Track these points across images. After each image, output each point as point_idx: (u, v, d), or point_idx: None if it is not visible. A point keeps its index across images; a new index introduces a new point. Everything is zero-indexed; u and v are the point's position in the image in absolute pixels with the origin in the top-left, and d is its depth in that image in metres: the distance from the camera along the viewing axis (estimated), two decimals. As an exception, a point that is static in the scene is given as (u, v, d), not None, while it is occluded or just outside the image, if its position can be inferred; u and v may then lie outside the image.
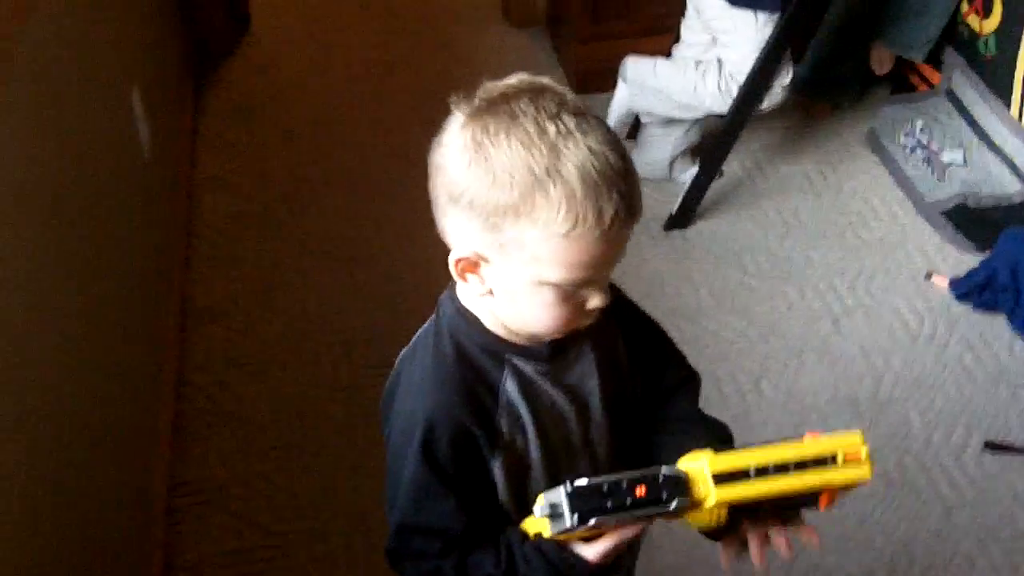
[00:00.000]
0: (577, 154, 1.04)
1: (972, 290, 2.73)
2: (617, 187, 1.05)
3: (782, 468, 1.10)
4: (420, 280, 2.78)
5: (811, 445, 1.12)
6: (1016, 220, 2.90)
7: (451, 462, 1.17)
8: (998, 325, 2.71)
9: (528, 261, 1.08)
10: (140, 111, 2.60)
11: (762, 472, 1.10)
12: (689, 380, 1.40)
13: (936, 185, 3.07)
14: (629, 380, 1.30)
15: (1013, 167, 2.99)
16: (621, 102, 3.06)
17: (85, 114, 2.14)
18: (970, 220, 2.97)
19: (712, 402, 2.49)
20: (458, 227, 1.11)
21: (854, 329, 2.70)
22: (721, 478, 1.10)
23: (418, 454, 1.16)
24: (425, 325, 1.26)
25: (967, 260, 2.88)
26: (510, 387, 1.20)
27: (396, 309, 2.72)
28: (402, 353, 1.27)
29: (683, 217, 2.99)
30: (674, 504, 1.08)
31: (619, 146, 1.08)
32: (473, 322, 1.20)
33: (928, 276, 2.83)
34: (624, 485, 1.06)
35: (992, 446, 2.42)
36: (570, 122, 1.05)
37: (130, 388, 2.26)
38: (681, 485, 1.09)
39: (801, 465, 1.11)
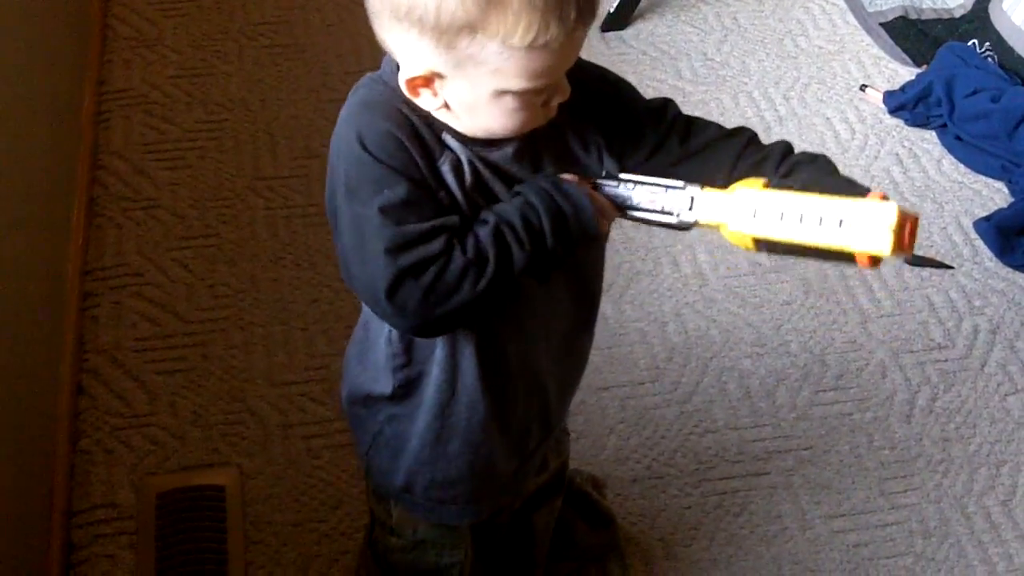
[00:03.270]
0: None
1: (906, 103, 2.71)
2: None
3: (801, 222, 1.08)
4: (348, 70, 2.69)
5: (834, 207, 1.07)
6: (956, 35, 2.87)
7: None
8: (929, 140, 2.71)
9: (487, 75, 1.02)
10: None
11: (784, 220, 1.09)
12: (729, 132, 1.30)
13: (876, -4, 3.01)
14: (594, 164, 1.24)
15: (957, -20, 2.94)
16: None
17: None
18: (910, 33, 2.93)
19: (639, 206, 2.48)
20: (406, 45, 1.04)
21: (785, 138, 2.65)
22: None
23: (376, 170, 1.06)
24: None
25: (903, 74, 2.85)
26: (451, 148, 1.11)
27: (321, 99, 2.64)
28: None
29: (621, 17, 2.91)
30: (677, 219, 1.16)
31: None
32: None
33: (863, 88, 2.80)
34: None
35: (913, 259, 2.44)
36: None
37: (43, 169, 2.19)
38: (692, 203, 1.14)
39: (820, 223, 1.07)
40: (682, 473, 2.07)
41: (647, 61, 2.83)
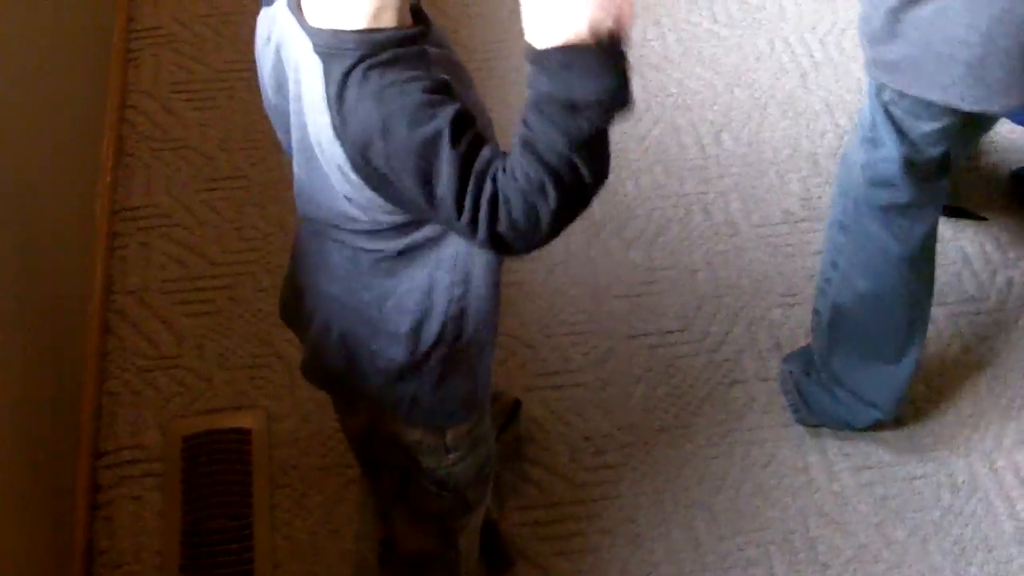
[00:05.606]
0: None
1: (946, 50, 2.65)
2: None
3: None
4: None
5: None
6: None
7: None
8: (968, 88, 2.65)
9: None
10: None
11: None
12: None
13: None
14: None
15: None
16: None
17: None
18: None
19: (671, 152, 2.45)
20: None
21: (821, 84, 2.63)
22: None
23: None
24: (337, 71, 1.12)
25: (944, 20, 2.79)
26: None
27: (351, 40, 2.61)
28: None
29: (656, -41, 2.86)
30: None
31: None
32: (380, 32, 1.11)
33: (902, 34, 2.74)
34: None
35: (948, 210, 2.40)
36: None
37: (72, 109, 2.18)
38: None
39: None
40: (710, 423, 2.06)
41: (681, 4, 2.78)
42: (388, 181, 1.12)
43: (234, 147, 2.42)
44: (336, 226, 1.26)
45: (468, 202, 1.07)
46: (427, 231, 1.22)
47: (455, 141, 1.06)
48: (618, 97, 1.04)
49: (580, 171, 1.05)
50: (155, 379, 2.04)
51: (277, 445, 1.97)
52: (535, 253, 1.14)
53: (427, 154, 1.07)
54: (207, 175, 2.36)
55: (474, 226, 1.08)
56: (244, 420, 1.98)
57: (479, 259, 1.26)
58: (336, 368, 1.39)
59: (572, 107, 1.03)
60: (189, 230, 2.27)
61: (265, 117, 2.41)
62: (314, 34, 1.12)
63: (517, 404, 1.92)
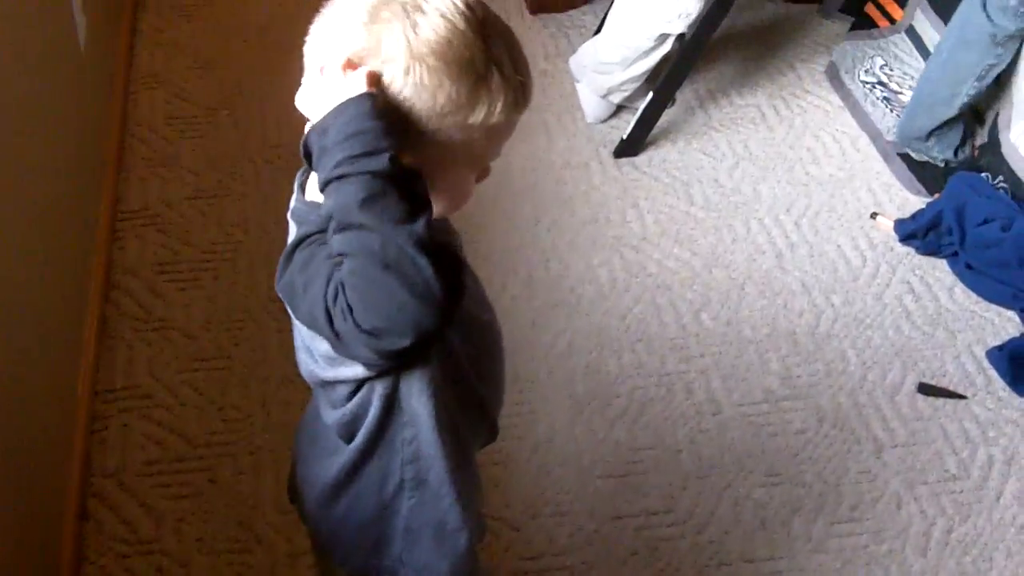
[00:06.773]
0: (498, 40, 1.06)
1: (917, 232, 2.72)
2: (525, 62, 1.10)
3: None
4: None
5: None
6: (971, 168, 2.89)
7: None
8: (939, 268, 2.71)
9: (463, 153, 1.09)
10: (78, 3, 2.49)
11: None
12: None
13: (895, 124, 3.03)
14: None
15: (971, 110, 2.97)
16: (590, 102, 3.03)
17: (20, 3, 2.05)
18: (924, 163, 2.95)
19: (651, 331, 2.48)
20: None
21: (797, 264, 2.68)
22: None
23: None
24: None
25: (913, 203, 2.87)
26: None
27: (336, 222, 2.65)
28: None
29: (633, 144, 2.94)
30: None
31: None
32: None
33: (873, 216, 2.82)
34: None
35: (926, 389, 2.43)
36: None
37: (56, 289, 2.19)
38: None
39: None
40: (696, 607, 2.03)
41: (659, 187, 2.86)
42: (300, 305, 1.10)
43: (217, 327, 2.43)
44: (321, 387, 1.27)
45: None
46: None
47: None
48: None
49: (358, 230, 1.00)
50: (132, 564, 2.00)
51: (256, 633, 1.93)
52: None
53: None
54: (190, 355, 2.37)
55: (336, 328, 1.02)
56: (223, 607, 1.95)
57: (419, 397, 1.20)
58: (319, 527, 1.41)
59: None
60: (170, 411, 2.26)
61: (249, 296, 2.47)
62: (298, 202, 1.18)
63: None
